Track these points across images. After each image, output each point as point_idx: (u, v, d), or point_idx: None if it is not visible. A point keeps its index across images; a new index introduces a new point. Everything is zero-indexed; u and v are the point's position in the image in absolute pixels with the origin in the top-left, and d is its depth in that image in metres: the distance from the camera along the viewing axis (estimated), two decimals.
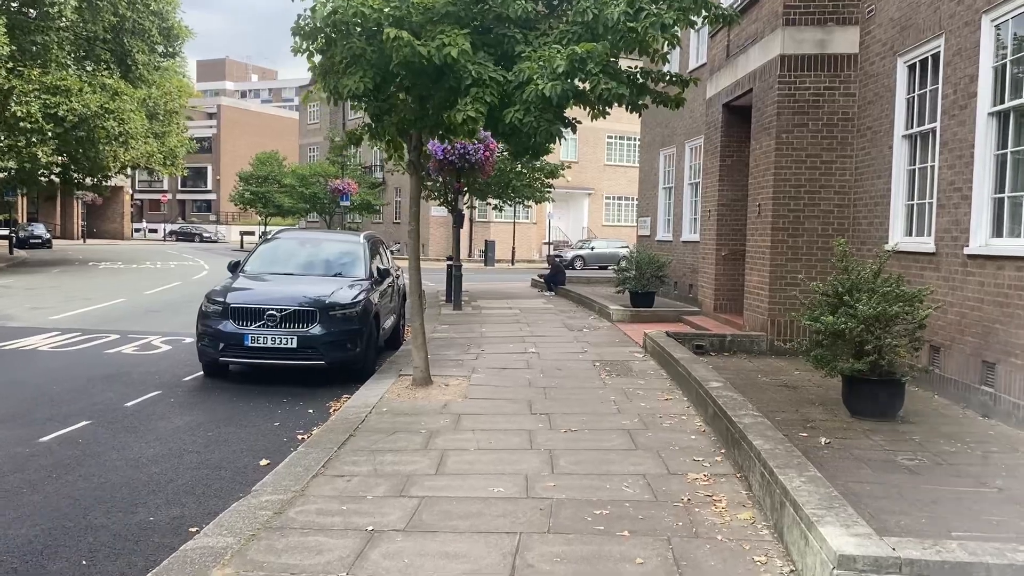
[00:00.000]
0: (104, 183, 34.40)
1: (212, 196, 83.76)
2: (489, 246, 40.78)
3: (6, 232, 39.35)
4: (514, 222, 43.12)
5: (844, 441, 6.21)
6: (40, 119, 24.02)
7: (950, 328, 8.01)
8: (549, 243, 44.47)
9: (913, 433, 6.52)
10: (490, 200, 22.69)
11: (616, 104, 8.47)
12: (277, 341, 9.12)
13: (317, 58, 8.05)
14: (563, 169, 21.29)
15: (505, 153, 19.85)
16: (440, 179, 17.84)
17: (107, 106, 25.27)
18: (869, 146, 10.43)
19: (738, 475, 5.78)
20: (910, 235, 9.36)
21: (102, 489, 5.71)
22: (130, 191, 67.71)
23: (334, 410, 8.21)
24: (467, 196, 21.35)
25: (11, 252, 36.53)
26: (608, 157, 49.47)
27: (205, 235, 69.36)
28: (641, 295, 16.67)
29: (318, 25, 7.41)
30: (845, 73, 10.85)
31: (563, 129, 8.07)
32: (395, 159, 9.12)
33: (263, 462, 6.38)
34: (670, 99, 8.98)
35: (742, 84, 12.76)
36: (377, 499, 5.18)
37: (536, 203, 22.01)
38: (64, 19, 25.27)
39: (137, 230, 73.11)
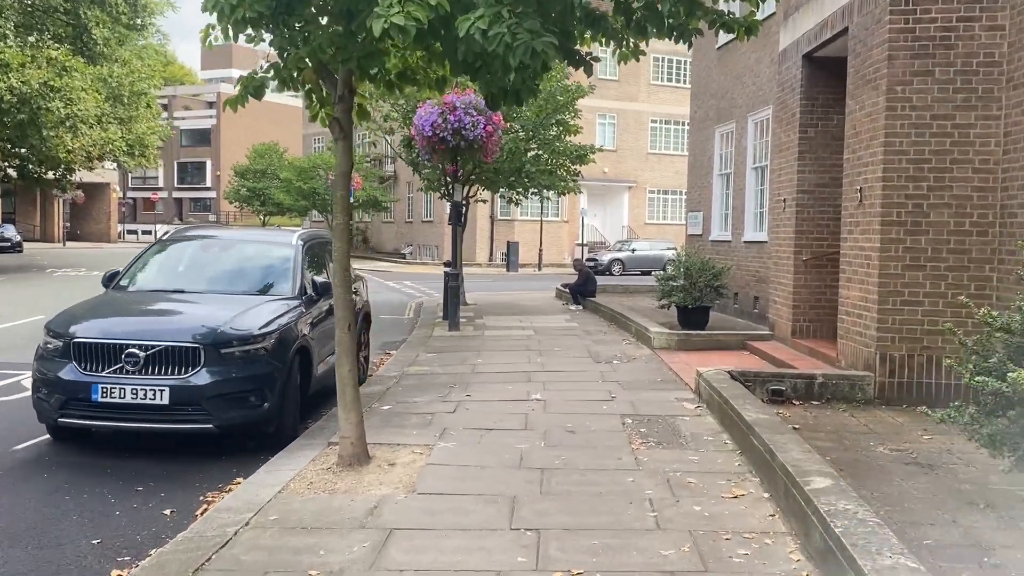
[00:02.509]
0: (68, 177, 32.38)
1: (212, 193, 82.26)
2: (512, 248, 38.19)
3: None
4: (541, 220, 40.47)
5: None
6: None
7: None
8: (583, 244, 41.77)
9: None
10: (503, 191, 20.05)
11: (653, 27, 5.86)
12: (140, 395, 6.57)
13: None
14: (593, 152, 18.55)
15: (520, 132, 17.27)
16: (430, 163, 15.29)
17: (52, 84, 23.14)
18: None
19: None
20: None
21: None
22: (118, 188, 66.18)
23: (201, 511, 5.64)
24: (472, 187, 18.76)
25: None
26: (652, 144, 46.67)
27: None
28: (692, 312, 13.96)
29: None
30: None
31: (563, 55, 5.43)
32: (320, 115, 6.57)
33: None
34: (738, 23, 6.33)
35: (832, 24, 10.04)
36: None
37: (559, 195, 19.28)
38: None
39: (130, 232, 71.64)
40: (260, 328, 7.04)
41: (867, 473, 6.07)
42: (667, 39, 6.28)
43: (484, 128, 13.29)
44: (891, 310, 8.50)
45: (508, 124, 17.73)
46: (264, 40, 6.38)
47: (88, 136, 25.55)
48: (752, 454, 6.34)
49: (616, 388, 9.43)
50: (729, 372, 8.67)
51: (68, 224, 62.00)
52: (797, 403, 8.60)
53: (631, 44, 6.43)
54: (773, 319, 12.30)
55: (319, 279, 8.24)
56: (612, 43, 6.36)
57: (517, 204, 21.15)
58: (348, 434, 6.22)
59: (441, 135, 13.18)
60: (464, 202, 19.01)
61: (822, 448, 6.79)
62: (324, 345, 8.15)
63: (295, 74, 6.29)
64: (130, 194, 78.79)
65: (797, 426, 7.51)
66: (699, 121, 19.49)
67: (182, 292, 7.81)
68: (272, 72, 6.26)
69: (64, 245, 56.59)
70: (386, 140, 20.16)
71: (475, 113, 13.16)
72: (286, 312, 7.53)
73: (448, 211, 14.79)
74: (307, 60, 6.01)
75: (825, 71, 11.17)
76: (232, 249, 8.73)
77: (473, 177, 18.40)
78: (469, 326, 15.30)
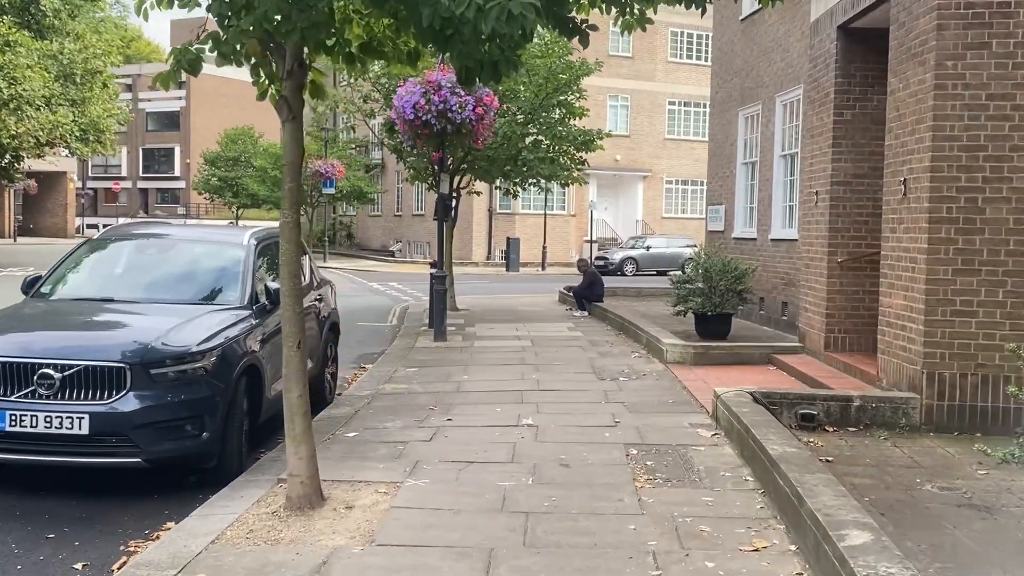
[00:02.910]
0: (15, 165, 32.02)
1: (181, 183, 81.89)
2: (512, 245, 37.76)
3: None
4: (544, 214, 40.04)
5: None
6: None
7: None
8: (591, 241, 41.32)
9: None
10: (499, 183, 19.59)
11: None
12: (55, 423, 6.17)
13: None
14: (600, 138, 18.09)
15: (518, 115, 16.88)
16: (414, 150, 14.90)
17: None
18: None
19: None
20: None
21: None
22: (75, 178, 65.90)
23: (119, 565, 5.24)
24: (464, 177, 18.36)
25: None
26: (670, 129, 46.23)
27: None
28: (711, 319, 13.55)
29: None
30: None
31: (552, 22, 5.01)
32: (269, 93, 6.16)
33: None
34: None
35: None
36: None
37: (563, 186, 18.83)
38: None
39: (91, 225, 71.28)
40: (199, 344, 6.63)
41: (913, 519, 5.67)
42: (678, 5, 5.89)
43: (473, 110, 12.86)
44: (940, 321, 8.09)
45: (504, 106, 17.32)
46: (200, 5, 6.00)
47: (35, 119, 25.18)
48: (777, 495, 5.93)
49: (621, 411, 9.02)
50: (751, 393, 8.26)
51: (20, 217, 61.72)
52: (831, 430, 8.20)
53: (636, 10, 6.02)
54: (803, 329, 11.88)
55: (275, 285, 7.82)
56: (614, 9, 5.95)
57: (515, 196, 20.71)
58: (297, 472, 5.82)
59: (425, 118, 12.75)
60: (454, 194, 18.63)
61: (860, 486, 6.40)
62: (275, 364, 7.75)
63: (238, 46, 5.90)
64: (90, 184, 78.42)
65: (831, 458, 7.12)
66: (721, 102, 19.07)
67: (112, 301, 7.41)
68: (211, 43, 5.87)
69: (15, 241, 56.32)
70: (366, 124, 19.74)
71: (463, 93, 12.74)
72: (233, 324, 7.12)
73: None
74: (251, 30, 5.60)
75: (864, 45, 10.75)
76: (174, 250, 8.32)
77: (464, 167, 18.00)
78: (458, 335, 14.90)
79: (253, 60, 6.15)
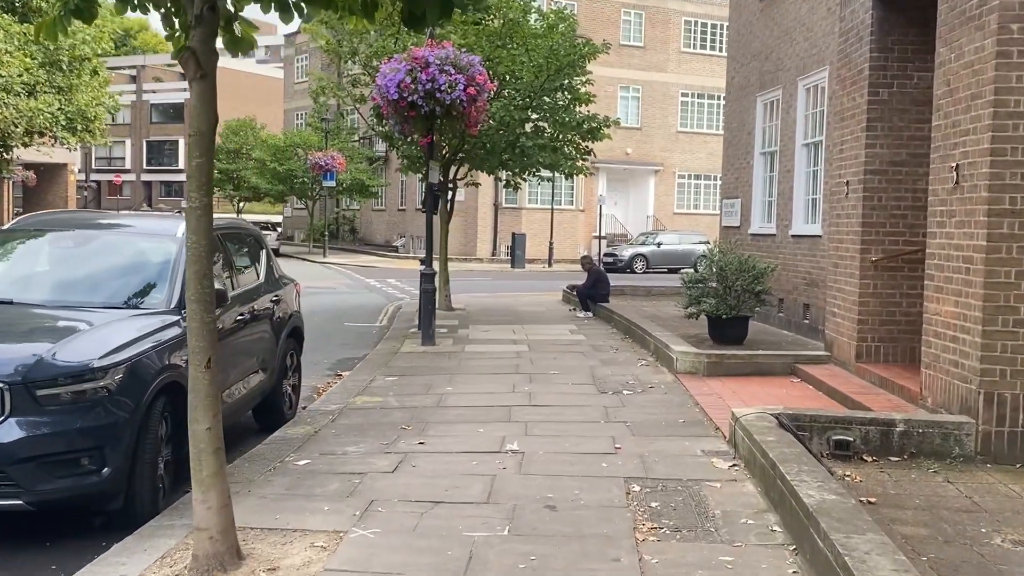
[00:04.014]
0: (4, 156, 30.85)
1: (185, 176, 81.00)
2: (517, 241, 36.51)
3: None
4: (551, 208, 38.77)
5: None
6: None
7: None
8: (600, 236, 40.06)
9: None
10: (506, 175, 18.32)
11: None
12: None
13: None
14: (608, 126, 16.80)
15: (516, 98, 15.64)
16: (402, 135, 13.68)
17: None
18: None
19: None
20: None
21: None
22: (75, 170, 64.91)
23: None
24: (461, 167, 17.13)
25: None
26: (682, 122, 44.90)
27: None
28: (726, 323, 12.34)
29: None
30: None
31: None
32: (174, 44, 4.95)
33: None
34: None
35: None
36: None
37: (567, 177, 17.55)
38: None
39: None
40: (102, 357, 5.41)
41: None
42: None
43: (465, 90, 11.61)
44: (1001, 332, 6.85)
45: (504, 92, 16.06)
46: None
47: (13, 107, 23.99)
48: (815, 558, 4.69)
49: (623, 433, 7.77)
50: (776, 417, 7.01)
51: (20, 210, 60.78)
52: (869, 459, 6.98)
53: None
54: (831, 336, 10.63)
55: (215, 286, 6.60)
56: None
57: (516, 188, 19.45)
58: (205, 525, 4.60)
59: (411, 99, 11.50)
60: (450, 185, 17.42)
61: (913, 538, 5.19)
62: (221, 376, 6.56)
63: None
64: (94, 176, 77.47)
65: (873, 499, 5.90)
66: (737, 88, 17.80)
67: (8, 304, 6.19)
68: None
69: None
70: (357, 110, 18.51)
71: (453, 71, 11.49)
72: (152, 333, 5.91)
73: (190, 164, 13.10)
74: None
75: (903, 14, 9.51)
76: (93, 244, 7.07)
77: (462, 156, 16.76)
78: (448, 339, 13.68)
79: (163, 9, 4.97)
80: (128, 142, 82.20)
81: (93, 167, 78.23)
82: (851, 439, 7.01)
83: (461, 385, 9.98)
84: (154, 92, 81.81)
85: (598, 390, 9.74)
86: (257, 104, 75.34)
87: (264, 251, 8.50)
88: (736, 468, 6.74)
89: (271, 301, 8.15)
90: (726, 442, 7.46)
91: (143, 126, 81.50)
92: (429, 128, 12.36)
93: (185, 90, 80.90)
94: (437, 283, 18.00)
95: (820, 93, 13.63)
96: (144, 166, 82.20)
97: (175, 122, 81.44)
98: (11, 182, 54.48)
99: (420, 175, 16.71)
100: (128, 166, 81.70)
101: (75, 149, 31.64)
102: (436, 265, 18.38)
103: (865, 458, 7.00)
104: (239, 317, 7.21)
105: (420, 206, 43.08)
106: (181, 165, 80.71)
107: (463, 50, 12.10)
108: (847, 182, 10.24)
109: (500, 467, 6.65)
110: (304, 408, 9.02)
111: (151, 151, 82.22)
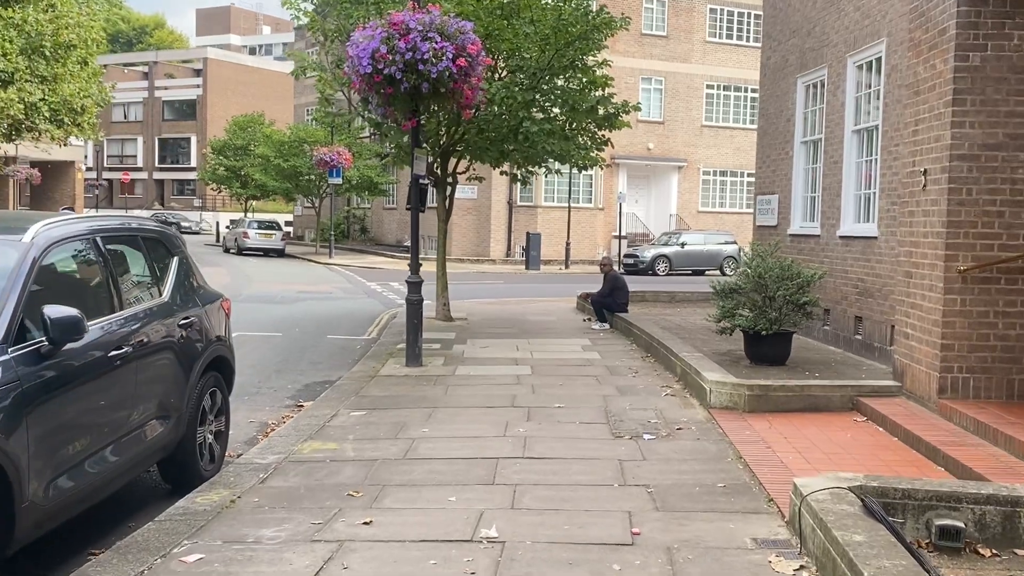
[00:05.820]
0: None
1: (197, 174, 79.62)
2: (532, 241, 34.56)
3: None
4: (568, 206, 36.78)
5: None
6: None
7: None
8: (620, 236, 38.06)
9: None
10: (520, 170, 16.31)
11: None
12: None
13: None
14: (627, 112, 14.70)
15: (519, 76, 13.66)
16: (384, 118, 11.73)
17: None
18: None
19: None
20: None
21: None
22: (83, 167, 63.54)
23: None
24: (460, 157, 15.15)
25: None
26: (708, 115, 42.79)
27: (184, 225, 64.94)
28: (766, 340, 10.41)
29: None
30: None
31: None
32: None
33: None
34: None
35: None
36: None
37: (579, 170, 15.50)
38: None
39: None
40: None
41: None
42: None
43: (454, 61, 9.63)
44: None
45: (507, 74, 14.06)
46: None
47: None
48: None
49: (643, 505, 5.78)
50: (861, 497, 5.00)
51: (28, 208, 59.53)
52: (987, 554, 4.99)
53: None
54: (902, 363, 8.59)
55: (66, 313, 4.67)
56: None
57: (525, 183, 17.41)
58: None
59: (387, 71, 9.51)
60: (448, 179, 15.46)
61: None
62: (60, 446, 4.64)
63: None
64: (105, 175, 76.14)
65: None
66: (774, 70, 15.75)
67: None
68: None
69: None
70: (345, 95, 16.57)
71: (439, 39, 9.53)
72: None
73: (416, 190, 11.24)
74: None
75: None
76: None
77: (461, 147, 14.78)
78: (439, 357, 11.73)
79: None
80: (140, 139, 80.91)
81: (105, 165, 76.95)
82: (964, 527, 5.01)
83: (441, 424, 8.00)
84: (166, 89, 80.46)
85: (612, 433, 7.73)
86: (271, 100, 73.89)
87: (175, 259, 6.57)
88: (801, 570, 4.75)
89: (180, 326, 6.21)
90: (784, 522, 5.45)
91: (155, 123, 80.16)
92: (414, 109, 10.38)
93: (196, 87, 79.74)
94: (436, 289, 16.09)
95: (875, 69, 11.62)
96: (156, 164, 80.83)
97: (187, 119, 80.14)
98: (14, 180, 53.09)
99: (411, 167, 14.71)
100: (140, 164, 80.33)
101: (64, 144, 29.81)
102: (435, 268, 16.50)
103: (980, 551, 5.01)
104: (116, 351, 5.27)
105: (432, 204, 41.28)
106: (193, 163, 79.32)
107: (455, 17, 10.14)
108: (924, 171, 8.20)
109: (467, 572, 4.67)
110: (237, 458, 7.07)
111: (163, 149, 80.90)
